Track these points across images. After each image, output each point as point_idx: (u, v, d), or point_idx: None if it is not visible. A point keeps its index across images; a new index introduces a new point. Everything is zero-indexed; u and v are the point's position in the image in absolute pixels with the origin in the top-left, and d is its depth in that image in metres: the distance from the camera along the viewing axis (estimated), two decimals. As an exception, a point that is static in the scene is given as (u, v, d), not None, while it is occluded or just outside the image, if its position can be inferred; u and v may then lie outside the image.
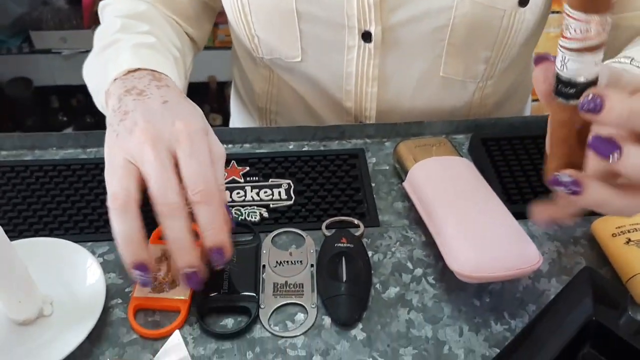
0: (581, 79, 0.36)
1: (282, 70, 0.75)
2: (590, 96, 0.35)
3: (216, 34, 1.83)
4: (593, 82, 0.36)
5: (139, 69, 0.55)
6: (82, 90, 2.21)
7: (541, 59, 0.38)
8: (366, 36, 0.67)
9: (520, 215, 0.61)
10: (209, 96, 1.93)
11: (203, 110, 0.52)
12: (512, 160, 0.67)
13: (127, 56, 0.57)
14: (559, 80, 0.36)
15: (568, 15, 0.34)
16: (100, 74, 0.59)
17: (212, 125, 0.52)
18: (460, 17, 0.65)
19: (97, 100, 0.65)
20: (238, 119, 0.89)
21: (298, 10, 0.66)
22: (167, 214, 0.45)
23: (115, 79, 0.55)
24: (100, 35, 0.67)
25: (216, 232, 0.46)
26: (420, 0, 0.64)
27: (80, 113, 1.95)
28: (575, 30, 0.34)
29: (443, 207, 0.58)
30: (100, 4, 0.74)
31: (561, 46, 0.36)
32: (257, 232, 0.59)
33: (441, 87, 0.72)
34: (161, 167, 0.46)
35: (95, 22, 1.83)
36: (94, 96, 0.66)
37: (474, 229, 0.54)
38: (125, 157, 0.47)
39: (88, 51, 2.01)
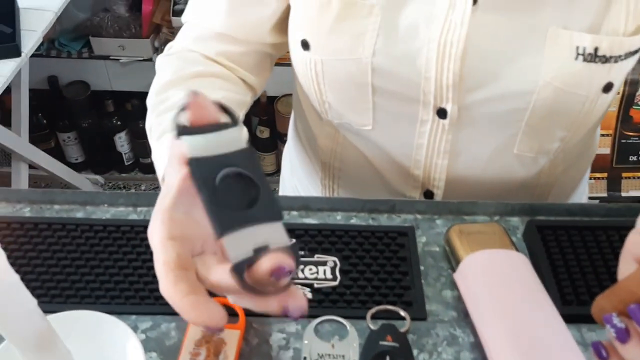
0: None
1: (350, 133, 0.74)
2: None
3: (271, 49, 1.83)
4: None
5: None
6: (136, 96, 2.24)
7: None
8: (441, 113, 0.65)
9: (574, 318, 0.58)
10: (258, 109, 1.93)
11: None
12: (569, 253, 0.64)
13: (160, 161, 0.59)
14: None
15: None
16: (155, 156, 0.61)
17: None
18: (541, 101, 0.62)
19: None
20: (301, 168, 0.88)
21: (373, 85, 0.65)
22: None
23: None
24: (149, 100, 0.69)
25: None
26: (500, 82, 0.62)
27: (134, 118, 1.98)
28: None
29: (494, 313, 0.56)
30: (166, 49, 0.74)
31: None
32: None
33: (513, 162, 0.70)
34: None
35: (153, 31, 1.85)
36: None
37: (526, 343, 0.52)
38: None
39: (145, 60, 2.02)
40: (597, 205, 0.69)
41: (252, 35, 0.70)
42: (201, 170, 0.38)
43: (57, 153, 2.00)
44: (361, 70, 0.64)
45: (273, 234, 0.39)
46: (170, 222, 0.40)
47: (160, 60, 0.72)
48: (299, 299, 0.42)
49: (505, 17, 0.60)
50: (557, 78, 0.61)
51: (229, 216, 0.38)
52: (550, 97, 0.62)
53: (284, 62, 0.85)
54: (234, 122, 0.41)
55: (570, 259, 0.64)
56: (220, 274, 0.38)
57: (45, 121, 2.00)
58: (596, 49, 0.60)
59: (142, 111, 2.33)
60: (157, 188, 2.13)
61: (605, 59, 0.61)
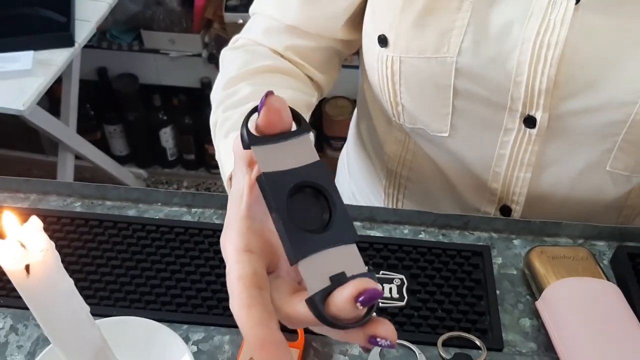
0: None
1: (422, 139, 0.68)
2: None
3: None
4: None
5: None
6: (184, 91, 2.21)
7: None
8: (529, 121, 0.59)
9: (672, 360, 0.52)
10: (307, 111, 1.89)
11: None
12: (666, 286, 0.58)
13: (227, 160, 0.55)
14: None
15: None
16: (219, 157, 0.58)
17: None
18: None
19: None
20: (361, 173, 0.83)
21: (456, 87, 0.60)
22: None
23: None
24: (215, 94, 0.65)
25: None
26: (599, 91, 0.56)
27: (180, 113, 1.96)
28: None
29: (583, 348, 0.50)
30: (231, 42, 0.70)
31: None
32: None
33: (604, 180, 0.63)
34: None
35: (204, 27, 1.82)
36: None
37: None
38: None
39: (194, 55, 1.99)
40: (696, 234, 0.62)
41: (324, 29, 0.66)
42: (272, 186, 0.33)
43: (103, 145, 1.99)
44: (444, 70, 0.59)
45: (348, 258, 0.34)
46: (248, 233, 0.35)
47: (225, 54, 0.68)
48: (388, 327, 0.36)
49: (610, 19, 0.54)
50: None
51: (304, 238, 0.33)
52: None
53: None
54: (306, 129, 0.36)
55: (665, 293, 0.57)
56: (296, 306, 0.34)
57: (92, 112, 1.99)
58: None
59: (189, 107, 2.30)
60: (199, 186, 2.11)
61: None
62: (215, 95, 0.63)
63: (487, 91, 0.59)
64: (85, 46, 1.52)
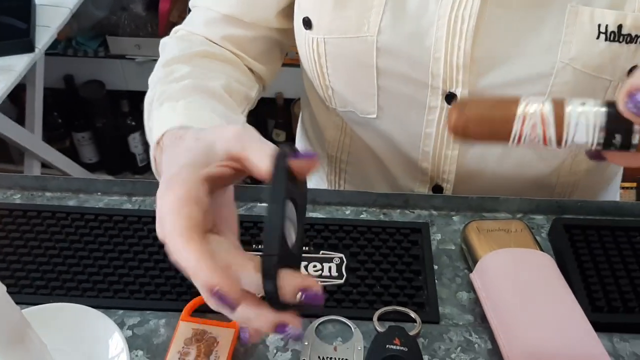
0: None
1: (354, 123, 0.69)
2: None
3: (288, 50, 1.79)
4: None
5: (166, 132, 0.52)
6: (152, 97, 2.15)
7: None
8: (450, 98, 0.60)
9: (604, 326, 0.53)
10: (275, 112, 1.89)
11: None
12: (600, 256, 0.58)
13: (159, 129, 0.54)
14: None
15: None
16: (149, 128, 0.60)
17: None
18: (560, 86, 0.57)
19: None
20: None
21: (378, 66, 0.60)
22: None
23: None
24: (152, 76, 0.66)
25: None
26: (514, 64, 0.57)
27: (149, 119, 1.96)
28: None
29: (515, 318, 0.50)
30: (172, 32, 0.71)
31: None
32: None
33: (529, 154, 0.64)
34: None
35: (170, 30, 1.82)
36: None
37: (550, 352, 0.47)
38: None
39: (161, 60, 1.96)
40: (633, 204, 0.63)
41: (259, 17, 0.66)
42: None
43: (72, 153, 1.98)
44: (365, 49, 0.59)
45: None
46: (202, 189, 0.39)
47: (164, 41, 0.69)
48: (298, 318, 0.39)
49: None
50: (577, 60, 0.56)
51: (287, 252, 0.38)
52: (571, 82, 0.57)
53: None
54: None
55: (601, 262, 0.58)
56: (243, 259, 0.38)
57: (60, 120, 1.98)
58: (620, 27, 0.55)
59: (157, 111, 2.24)
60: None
61: (631, 39, 0.55)
62: (155, 75, 0.64)
63: (409, 69, 0.59)
64: (51, 54, 1.51)
